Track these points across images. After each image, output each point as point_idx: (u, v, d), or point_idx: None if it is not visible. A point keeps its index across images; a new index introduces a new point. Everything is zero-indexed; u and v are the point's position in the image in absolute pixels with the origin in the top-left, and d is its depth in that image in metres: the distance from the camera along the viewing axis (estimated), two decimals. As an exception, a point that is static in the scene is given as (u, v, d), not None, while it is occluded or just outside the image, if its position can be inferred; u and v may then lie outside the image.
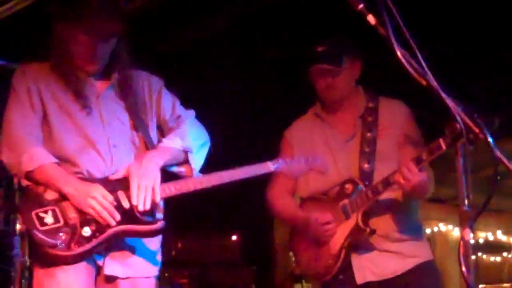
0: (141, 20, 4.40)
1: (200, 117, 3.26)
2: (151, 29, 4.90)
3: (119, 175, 2.96)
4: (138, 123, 3.11)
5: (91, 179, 2.96)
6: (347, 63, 3.28)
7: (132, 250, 3.00)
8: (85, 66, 3.00)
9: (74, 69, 3.04)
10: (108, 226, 2.88)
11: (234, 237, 5.57)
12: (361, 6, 1.85)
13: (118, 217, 2.87)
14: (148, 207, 2.86)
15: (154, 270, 3.05)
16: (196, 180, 3.03)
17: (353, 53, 3.32)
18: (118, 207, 2.89)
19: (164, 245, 3.17)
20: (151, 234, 2.96)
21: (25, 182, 3.01)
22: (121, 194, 2.91)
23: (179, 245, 5.07)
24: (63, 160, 3.00)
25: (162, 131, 3.18)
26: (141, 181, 2.89)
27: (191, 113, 3.22)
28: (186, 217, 4.49)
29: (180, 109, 3.19)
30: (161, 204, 3.07)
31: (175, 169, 3.10)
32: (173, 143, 3.05)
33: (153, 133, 3.16)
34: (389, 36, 1.82)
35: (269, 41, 5.08)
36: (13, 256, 4.27)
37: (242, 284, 5.36)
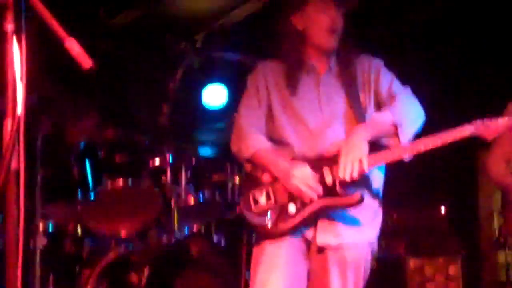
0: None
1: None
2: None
3: (330, 152, 3.15)
4: (354, 103, 3.26)
5: (301, 159, 3.19)
6: None
7: (342, 220, 3.21)
8: (324, 44, 3.26)
9: (299, 56, 3.31)
10: (310, 201, 3.12)
11: (442, 209, 5.89)
12: None
13: (319, 191, 3.11)
14: (355, 176, 3.05)
15: (364, 238, 3.26)
16: (400, 148, 3.14)
17: None
18: (321, 183, 3.12)
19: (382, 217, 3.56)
20: (350, 205, 3.12)
21: (247, 168, 3.34)
22: (326, 171, 3.13)
23: (395, 216, 5.49)
24: (281, 143, 3.29)
25: (380, 109, 3.30)
26: (348, 154, 3.05)
27: (407, 90, 3.31)
28: (400, 191, 4.95)
29: (395, 87, 3.29)
30: (375, 177, 3.27)
31: (383, 141, 3.23)
32: (383, 117, 3.20)
33: (370, 111, 3.30)
34: None
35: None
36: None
37: (451, 251, 5.71)
